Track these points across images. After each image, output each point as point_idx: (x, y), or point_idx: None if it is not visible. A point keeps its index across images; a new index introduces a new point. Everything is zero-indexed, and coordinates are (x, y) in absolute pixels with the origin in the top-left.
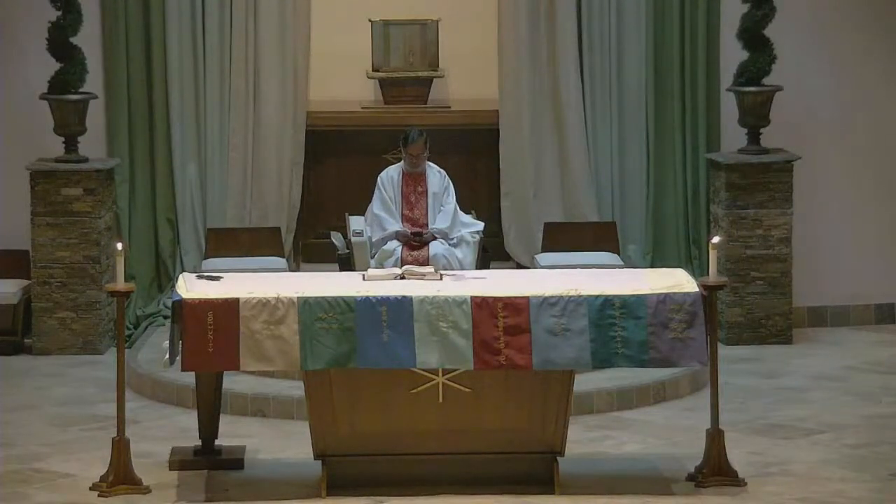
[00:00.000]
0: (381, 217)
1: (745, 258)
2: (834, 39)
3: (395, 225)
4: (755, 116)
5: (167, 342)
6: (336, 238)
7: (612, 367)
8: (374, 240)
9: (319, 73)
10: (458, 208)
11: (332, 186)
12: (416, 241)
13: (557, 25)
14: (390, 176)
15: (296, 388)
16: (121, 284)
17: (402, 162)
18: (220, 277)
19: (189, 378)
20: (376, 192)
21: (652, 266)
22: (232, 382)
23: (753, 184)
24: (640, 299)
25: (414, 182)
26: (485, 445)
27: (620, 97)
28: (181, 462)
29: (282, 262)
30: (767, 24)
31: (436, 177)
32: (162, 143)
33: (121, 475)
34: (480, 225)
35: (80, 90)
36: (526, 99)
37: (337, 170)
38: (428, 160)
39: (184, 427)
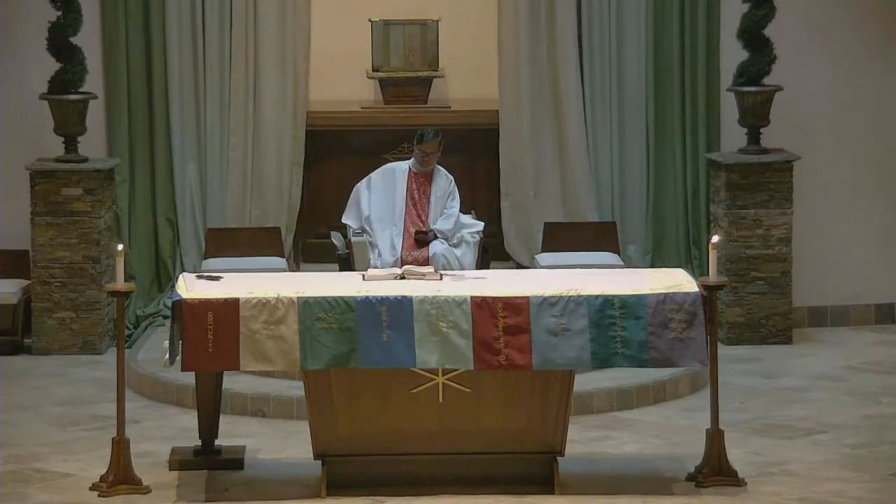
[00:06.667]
0: (366, 215)
1: (745, 258)
2: (834, 39)
3: (384, 233)
4: (755, 116)
5: (167, 342)
6: (336, 238)
7: (612, 367)
8: (351, 237)
9: (319, 73)
10: (460, 214)
11: (332, 186)
12: (418, 237)
13: (557, 25)
14: (402, 169)
15: (296, 388)
16: (121, 284)
17: (412, 160)
18: (220, 277)
19: (189, 378)
20: (372, 181)
21: (652, 266)
22: (232, 382)
23: (753, 184)
24: (640, 299)
25: (420, 182)
26: (485, 445)
27: (620, 97)
28: (181, 462)
29: (282, 262)
30: (767, 24)
31: (443, 180)
32: (162, 143)
33: (121, 475)
34: (480, 225)
35: (80, 90)
36: (526, 99)
37: (337, 170)
38: (437, 163)
39: (184, 427)
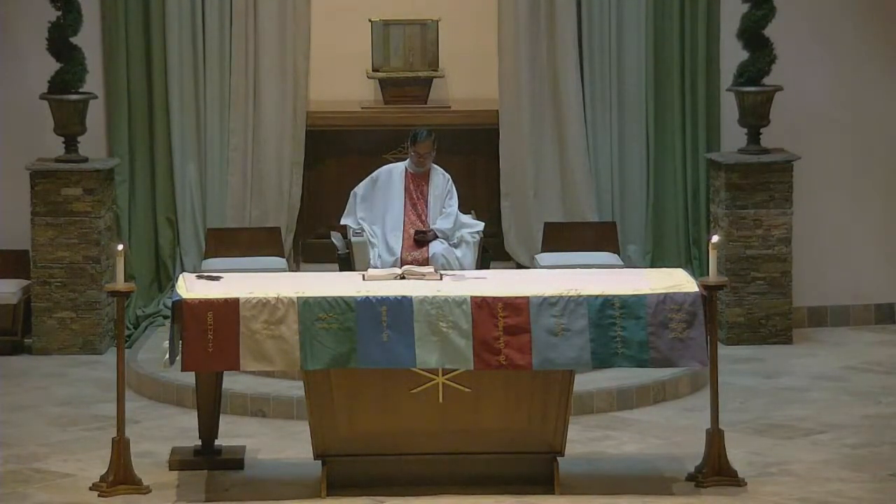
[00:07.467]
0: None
1: (745, 258)
2: (834, 39)
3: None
4: (755, 116)
5: (167, 342)
6: (336, 238)
7: (612, 367)
8: (351, 237)
9: (319, 73)
10: (459, 213)
11: (332, 186)
12: (418, 238)
13: (557, 25)
14: (400, 170)
15: (296, 388)
16: (121, 284)
17: (408, 161)
18: (220, 277)
19: (189, 378)
20: (370, 183)
21: (652, 266)
22: (232, 382)
23: (753, 184)
24: (640, 299)
25: (417, 182)
26: (485, 445)
27: (620, 97)
28: (181, 462)
29: (282, 262)
30: (767, 24)
31: (440, 179)
32: (162, 143)
33: (121, 475)
34: (480, 225)
35: (80, 90)
36: (526, 99)
37: (337, 170)
38: (433, 162)
39: (184, 427)
